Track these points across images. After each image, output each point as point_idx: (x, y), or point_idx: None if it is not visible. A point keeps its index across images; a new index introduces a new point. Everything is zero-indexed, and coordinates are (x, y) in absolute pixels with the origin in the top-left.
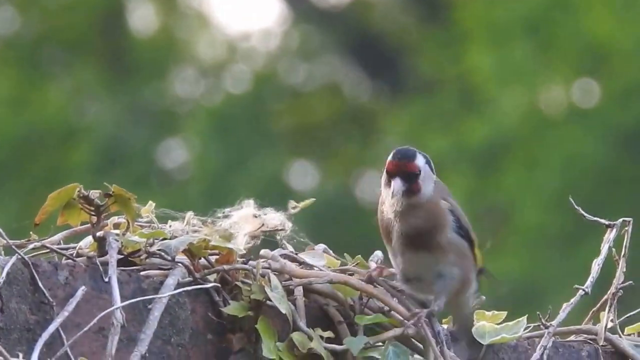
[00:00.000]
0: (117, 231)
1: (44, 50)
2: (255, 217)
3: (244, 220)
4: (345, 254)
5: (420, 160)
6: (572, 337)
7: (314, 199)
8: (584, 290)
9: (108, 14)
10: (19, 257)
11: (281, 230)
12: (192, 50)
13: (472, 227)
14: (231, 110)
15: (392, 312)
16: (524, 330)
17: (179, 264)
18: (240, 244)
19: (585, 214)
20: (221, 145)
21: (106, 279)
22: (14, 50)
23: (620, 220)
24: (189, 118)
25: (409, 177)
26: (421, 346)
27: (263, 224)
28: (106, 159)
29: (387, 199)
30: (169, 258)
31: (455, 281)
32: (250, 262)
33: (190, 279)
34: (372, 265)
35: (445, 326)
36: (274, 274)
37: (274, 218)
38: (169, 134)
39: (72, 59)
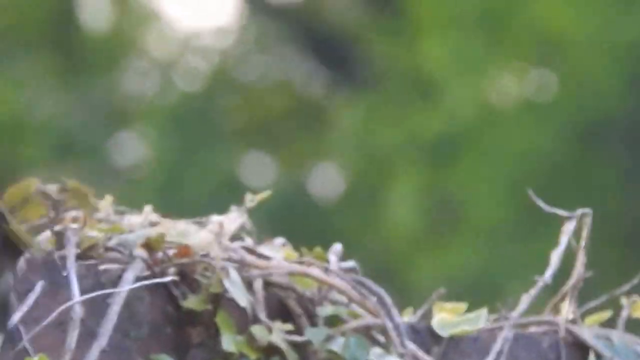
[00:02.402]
0: (75, 225)
1: None
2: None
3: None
4: (302, 247)
5: None
6: (533, 329)
7: (270, 192)
8: (544, 281)
9: (61, 9)
10: None
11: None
12: (145, 45)
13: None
14: (184, 107)
15: (352, 303)
16: (484, 322)
17: (137, 258)
18: (198, 239)
19: (544, 206)
20: (175, 141)
21: (64, 273)
22: None
23: (580, 211)
24: (142, 114)
25: None
26: (382, 338)
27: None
28: (57, 154)
29: None
30: (127, 252)
31: None
32: (209, 255)
33: (149, 272)
34: (332, 258)
35: (405, 318)
36: (233, 267)
37: (233, 220)
38: (121, 129)
39: (23, 53)
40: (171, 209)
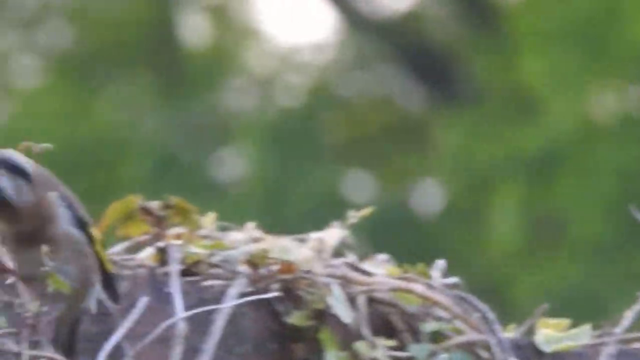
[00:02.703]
0: (178, 242)
1: (96, 64)
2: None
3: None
4: (405, 264)
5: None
6: (638, 345)
7: (372, 208)
8: None
9: (159, 28)
10: None
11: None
12: (244, 62)
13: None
14: (284, 123)
15: (456, 319)
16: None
17: (241, 274)
18: (300, 255)
19: None
20: (275, 157)
21: (168, 290)
22: (67, 65)
23: None
24: (243, 130)
25: None
26: (486, 354)
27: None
28: (160, 171)
29: None
30: (231, 268)
31: (74, 281)
32: (313, 271)
33: (252, 289)
34: (435, 274)
35: (508, 334)
36: (336, 283)
37: (334, 236)
38: (222, 145)
39: (126, 72)
40: (272, 225)
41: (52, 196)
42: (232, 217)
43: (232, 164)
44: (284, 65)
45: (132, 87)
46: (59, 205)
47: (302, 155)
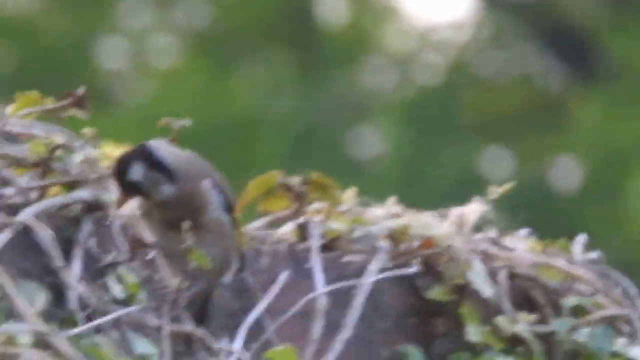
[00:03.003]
0: (318, 217)
1: (235, 42)
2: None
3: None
4: (546, 238)
5: (135, 172)
6: None
7: (513, 184)
8: None
9: (297, 6)
10: None
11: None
12: (382, 40)
13: None
14: (423, 101)
15: (597, 294)
16: None
17: (381, 250)
18: (441, 230)
19: None
20: (413, 135)
21: (308, 265)
22: (204, 43)
23: None
24: (380, 109)
25: (127, 187)
26: (628, 328)
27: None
28: (297, 149)
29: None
30: (371, 244)
31: (216, 262)
32: (453, 246)
33: (393, 264)
34: (577, 249)
35: None
36: (477, 258)
37: (475, 212)
38: (361, 123)
39: (264, 50)
40: (409, 201)
41: (205, 185)
42: (370, 194)
43: (370, 142)
44: (422, 44)
45: (269, 66)
46: (211, 193)
47: (440, 133)
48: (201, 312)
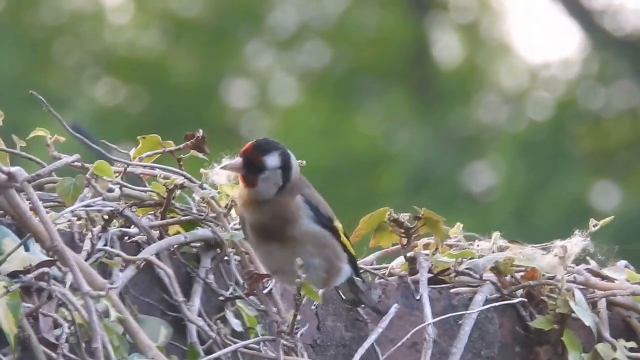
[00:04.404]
0: (426, 251)
1: (354, 81)
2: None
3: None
4: None
5: (272, 159)
6: None
7: (613, 217)
8: None
9: (414, 45)
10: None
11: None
12: (495, 78)
13: None
14: (534, 135)
15: None
16: None
17: (487, 281)
18: (543, 262)
19: None
20: (525, 168)
21: (417, 297)
22: (326, 83)
23: None
24: (494, 143)
25: (250, 166)
26: None
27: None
28: (414, 183)
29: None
30: (477, 276)
31: (319, 271)
32: (555, 277)
33: (498, 295)
34: None
35: None
36: (578, 288)
37: (576, 244)
38: (474, 158)
39: (381, 89)
40: (522, 233)
41: (298, 200)
42: (484, 227)
43: (484, 175)
44: (533, 80)
45: (388, 103)
46: (304, 208)
47: (551, 166)
48: (353, 295)
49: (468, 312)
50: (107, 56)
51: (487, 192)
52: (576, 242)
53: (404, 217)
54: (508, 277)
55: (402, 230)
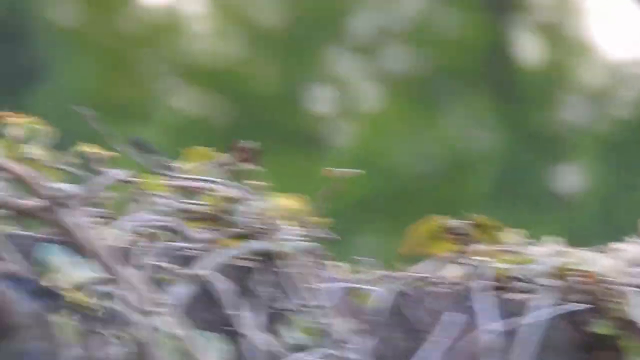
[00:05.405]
0: (482, 258)
1: (436, 85)
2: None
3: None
4: None
5: None
6: None
7: None
8: None
9: (495, 47)
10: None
11: None
12: (577, 76)
13: None
14: (619, 134)
15: None
16: None
17: (545, 287)
18: (603, 265)
19: None
20: (611, 168)
21: (472, 305)
22: (407, 86)
23: None
24: (578, 143)
25: None
26: None
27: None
28: (498, 186)
29: None
30: (535, 282)
31: None
32: (615, 281)
33: (557, 300)
34: None
35: None
36: (636, 292)
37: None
38: (559, 160)
39: (463, 91)
40: (609, 235)
41: None
42: (569, 230)
43: (568, 178)
44: (616, 79)
45: (469, 105)
46: None
47: (636, 166)
48: None
49: (526, 319)
50: (187, 66)
51: (572, 193)
52: (635, 245)
53: (459, 224)
54: (567, 282)
55: (457, 237)
